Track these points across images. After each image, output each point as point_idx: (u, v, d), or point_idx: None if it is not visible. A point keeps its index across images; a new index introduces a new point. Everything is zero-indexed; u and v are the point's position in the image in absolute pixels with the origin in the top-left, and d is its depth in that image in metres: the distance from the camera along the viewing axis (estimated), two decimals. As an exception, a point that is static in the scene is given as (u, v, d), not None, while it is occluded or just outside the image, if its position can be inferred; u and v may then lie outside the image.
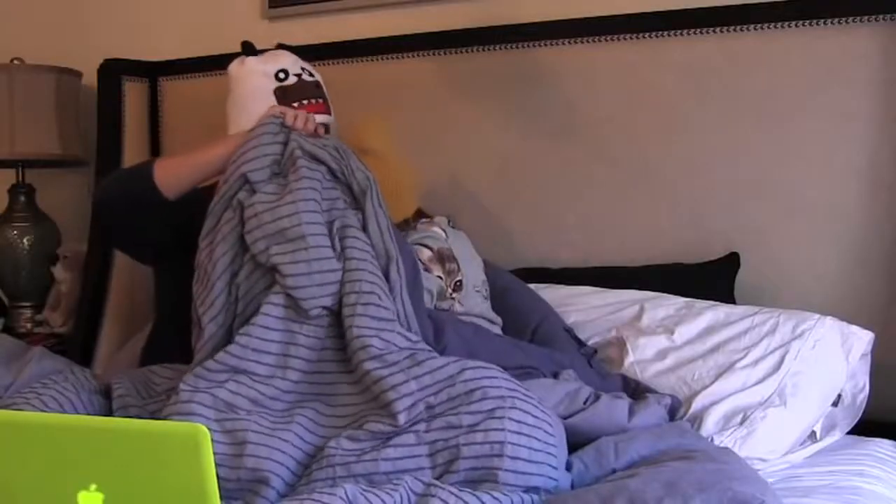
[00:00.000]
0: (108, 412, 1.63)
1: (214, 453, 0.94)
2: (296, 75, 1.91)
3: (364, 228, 1.66)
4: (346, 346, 1.56)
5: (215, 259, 1.63)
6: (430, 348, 1.58)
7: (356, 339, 1.53)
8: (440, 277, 1.92)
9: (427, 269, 1.90)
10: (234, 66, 1.94)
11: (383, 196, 1.73)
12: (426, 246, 1.88)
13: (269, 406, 1.51)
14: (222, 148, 1.74)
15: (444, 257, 1.88)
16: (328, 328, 1.58)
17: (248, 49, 1.97)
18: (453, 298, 1.91)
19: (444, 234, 1.91)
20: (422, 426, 1.41)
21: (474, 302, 1.95)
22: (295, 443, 1.44)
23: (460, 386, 1.44)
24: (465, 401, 1.41)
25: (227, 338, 1.61)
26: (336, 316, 1.59)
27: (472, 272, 1.89)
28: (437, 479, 1.35)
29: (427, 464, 1.37)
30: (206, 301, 1.62)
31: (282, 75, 1.91)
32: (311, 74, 1.95)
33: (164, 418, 1.49)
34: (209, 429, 1.39)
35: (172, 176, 1.76)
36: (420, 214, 2.07)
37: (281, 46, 2.03)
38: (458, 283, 1.91)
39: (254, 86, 1.89)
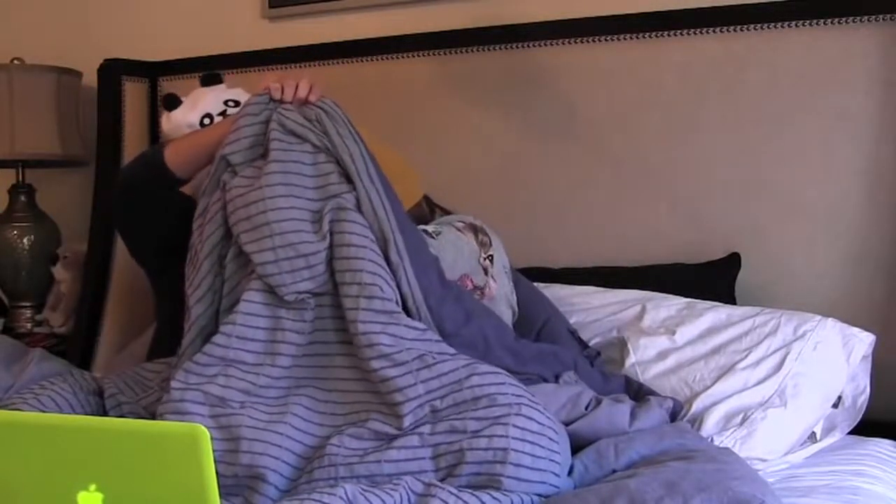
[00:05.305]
0: (105, 412, 1.63)
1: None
2: (220, 114, 1.96)
3: (358, 209, 1.61)
4: (343, 331, 1.53)
5: (204, 239, 1.62)
6: (438, 338, 1.55)
7: (362, 336, 1.49)
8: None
9: (461, 233, 1.88)
10: (163, 124, 1.99)
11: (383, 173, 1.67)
12: (459, 220, 1.87)
13: (261, 395, 1.49)
14: (223, 127, 1.74)
15: (476, 229, 1.87)
16: (317, 309, 1.55)
17: (170, 103, 2.00)
18: (487, 273, 1.89)
19: (472, 216, 1.90)
20: (426, 428, 1.40)
21: (502, 282, 1.93)
22: (291, 434, 1.43)
23: (467, 392, 1.43)
24: (470, 407, 1.41)
25: (215, 319, 1.59)
26: (329, 297, 1.55)
27: (501, 253, 1.89)
28: (439, 481, 1.34)
29: (430, 466, 1.37)
30: (195, 281, 1.61)
31: (206, 121, 1.96)
32: (236, 104, 1.97)
33: (159, 417, 1.48)
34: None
35: (180, 156, 1.78)
36: (430, 203, 2.05)
37: (206, 78, 2.05)
38: (490, 257, 1.90)
39: None
